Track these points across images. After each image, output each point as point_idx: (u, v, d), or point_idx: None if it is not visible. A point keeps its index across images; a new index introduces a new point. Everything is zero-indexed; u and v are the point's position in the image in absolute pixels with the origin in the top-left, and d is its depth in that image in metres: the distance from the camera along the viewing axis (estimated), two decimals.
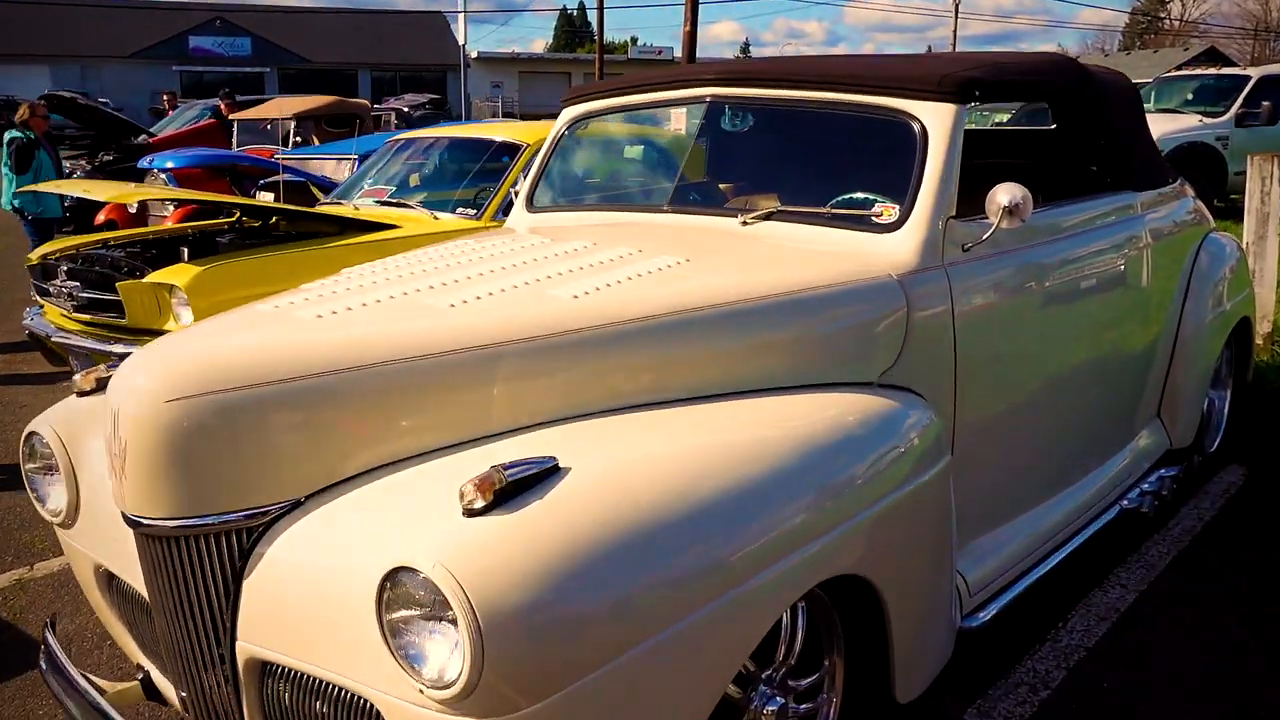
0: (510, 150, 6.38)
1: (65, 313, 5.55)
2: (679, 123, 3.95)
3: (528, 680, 1.76)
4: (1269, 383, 5.91)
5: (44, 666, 2.59)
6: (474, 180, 6.45)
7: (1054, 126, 4.28)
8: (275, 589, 2.04)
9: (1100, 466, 3.86)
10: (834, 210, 3.05)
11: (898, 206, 2.94)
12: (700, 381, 2.46)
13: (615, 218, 3.50)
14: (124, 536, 2.22)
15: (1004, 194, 2.87)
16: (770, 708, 2.33)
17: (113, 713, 2.33)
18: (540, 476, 1.94)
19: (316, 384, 2.10)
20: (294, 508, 2.10)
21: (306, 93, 17.86)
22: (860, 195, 3.09)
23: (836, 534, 2.28)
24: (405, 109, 22.26)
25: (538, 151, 4.15)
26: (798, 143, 3.50)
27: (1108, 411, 3.92)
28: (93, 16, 41.30)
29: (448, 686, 1.74)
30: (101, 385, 2.62)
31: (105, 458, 2.21)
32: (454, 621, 1.73)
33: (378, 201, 6.49)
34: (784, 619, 2.34)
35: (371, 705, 1.89)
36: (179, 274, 4.88)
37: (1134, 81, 4.71)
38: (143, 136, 14.45)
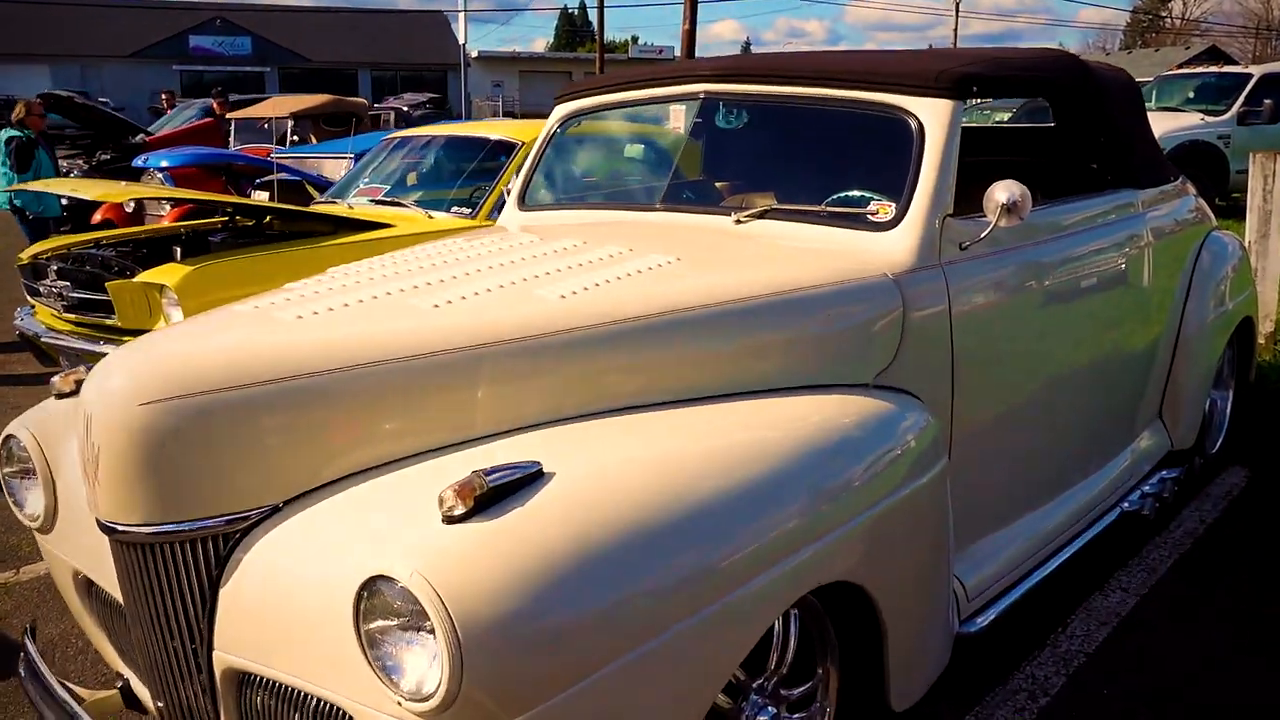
0: (506, 149, 6.32)
1: (56, 313, 5.51)
2: (678, 120, 3.90)
3: (509, 692, 1.71)
4: (1271, 383, 5.85)
5: (23, 674, 2.55)
6: (469, 179, 6.39)
7: (1054, 124, 4.23)
8: (252, 597, 1.99)
9: (1100, 468, 3.81)
10: (829, 208, 3.00)
11: (894, 204, 2.89)
12: (690, 384, 2.41)
13: (608, 216, 3.45)
14: (101, 542, 2.17)
15: (1002, 191, 2.81)
16: (762, 718, 2.28)
17: None
18: (523, 482, 1.89)
19: (295, 386, 2.05)
20: (272, 513, 2.04)
21: (307, 92, 17.80)
22: (856, 193, 3.03)
23: (830, 540, 2.22)
24: (405, 108, 22.22)
25: None
26: (793, 140, 3.44)
27: (1108, 412, 3.87)
28: (93, 16, 41.27)
29: (426, 699, 1.69)
30: (81, 387, 2.56)
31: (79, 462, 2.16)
32: (432, 632, 1.68)
33: (372, 200, 6.43)
34: (776, 626, 2.28)
35: (350, 717, 1.84)
36: (169, 274, 4.83)
37: (1135, 80, 4.66)
38: (140, 136, 14.39)
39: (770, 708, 2.30)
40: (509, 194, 3.88)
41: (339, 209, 6.27)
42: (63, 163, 12.99)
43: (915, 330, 2.77)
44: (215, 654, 2.04)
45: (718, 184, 3.64)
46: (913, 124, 2.94)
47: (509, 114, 38.60)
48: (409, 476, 2.04)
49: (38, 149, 8.99)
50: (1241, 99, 13.45)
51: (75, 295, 5.33)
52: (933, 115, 2.93)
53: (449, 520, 1.80)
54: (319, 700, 1.89)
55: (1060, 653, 3.25)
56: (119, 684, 2.54)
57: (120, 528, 2.05)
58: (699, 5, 20.43)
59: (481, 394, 2.19)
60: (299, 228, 5.83)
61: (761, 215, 3.07)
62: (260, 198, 7.80)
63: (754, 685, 2.28)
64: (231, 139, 13.30)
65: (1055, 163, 4.13)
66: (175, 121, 16.17)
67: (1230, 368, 4.85)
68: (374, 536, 1.85)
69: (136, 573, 2.08)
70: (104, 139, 14.03)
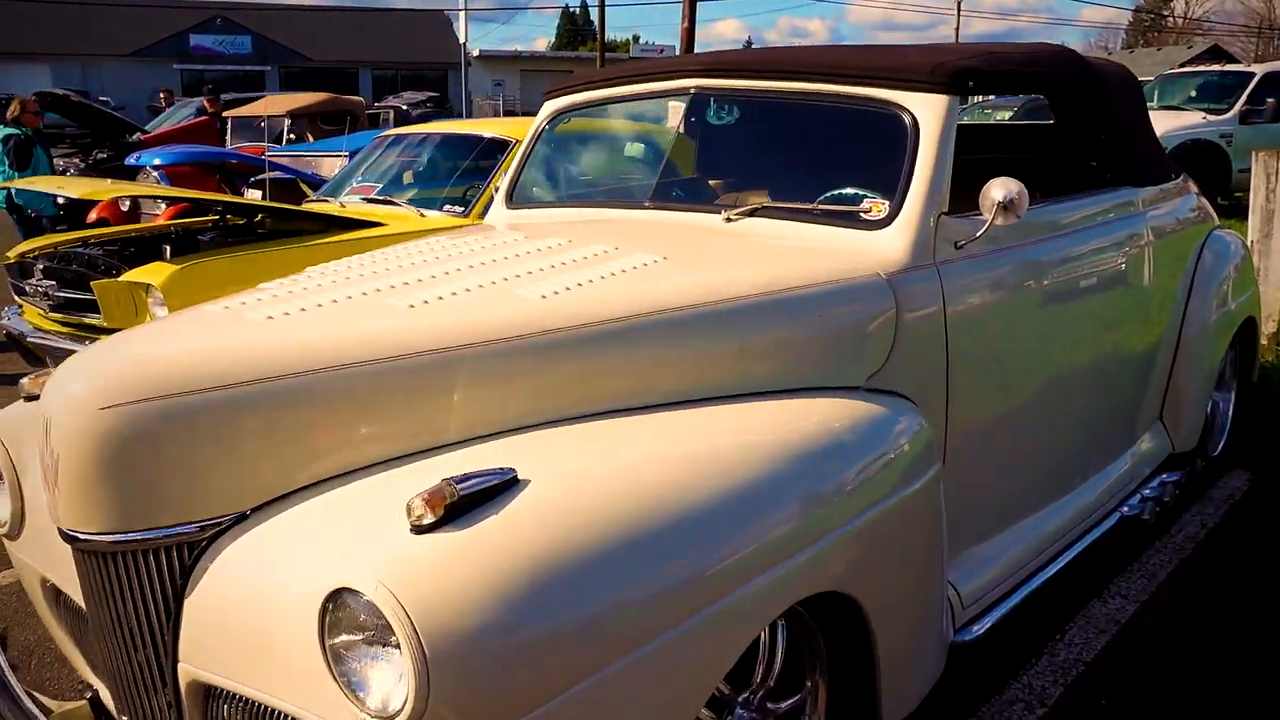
0: (500, 147, 6.25)
1: (42, 312, 5.44)
2: (677, 118, 3.83)
3: (479, 709, 1.64)
4: (1275, 384, 5.77)
5: None
6: (463, 177, 6.32)
7: (1053, 121, 4.15)
8: (217, 608, 1.92)
9: (1100, 472, 3.73)
10: (821, 206, 2.92)
11: (887, 202, 2.82)
12: (675, 387, 2.33)
13: (596, 214, 3.38)
14: (68, 550, 2.09)
15: (998, 189, 2.74)
16: None
17: None
18: (497, 489, 1.82)
19: (262, 390, 1.97)
20: (239, 521, 1.97)
21: (308, 91, 17.75)
22: (850, 191, 2.96)
23: (818, 548, 2.15)
24: (404, 107, 22.12)
25: None
26: (785, 136, 3.37)
27: (1108, 415, 3.80)
28: (94, 15, 41.20)
29: (393, 717, 1.62)
30: None
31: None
32: (398, 647, 1.61)
33: (364, 199, 6.36)
34: (762, 637, 2.21)
35: None
36: (154, 273, 4.76)
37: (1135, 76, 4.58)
38: (137, 135, 14.35)
39: None
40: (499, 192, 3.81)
41: (331, 207, 6.20)
42: (59, 161, 12.95)
43: (909, 331, 2.70)
44: (180, 666, 1.97)
45: (711, 182, 3.57)
46: (907, 120, 2.87)
47: (509, 112, 38.53)
48: (380, 483, 1.97)
49: (35, 146, 8.95)
50: (1244, 98, 13.38)
51: (61, 295, 5.26)
52: (928, 111, 2.86)
53: (417, 530, 1.73)
54: (285, 716, 1.82)
55: (1058, 661, 3.17)
56: (88, 695, 2.46)
57: (81, 537, 1.98)
58: (698, 4, 20.35)
59: (458, 397, 2.11)
60: (290, 226, 5.76)
61: (752, 213, 3.00)
62: (254, 196, 7.74)
63: (739, 699, 2.21)
64: (228, 137, 13.24)
65: (1054, 160, 4.06)
66: (172, 120, 16.11)
67: (1232, 369, 4.77)
68: (340, 547, 1.78)
69: (99, 582, 2.01)
70: (102, 138, 13.99)
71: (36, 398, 2.53)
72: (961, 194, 2.87)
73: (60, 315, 5.29)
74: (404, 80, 44.34)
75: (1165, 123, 11.83)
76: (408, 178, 6.74)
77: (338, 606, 1.68)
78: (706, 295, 2.44)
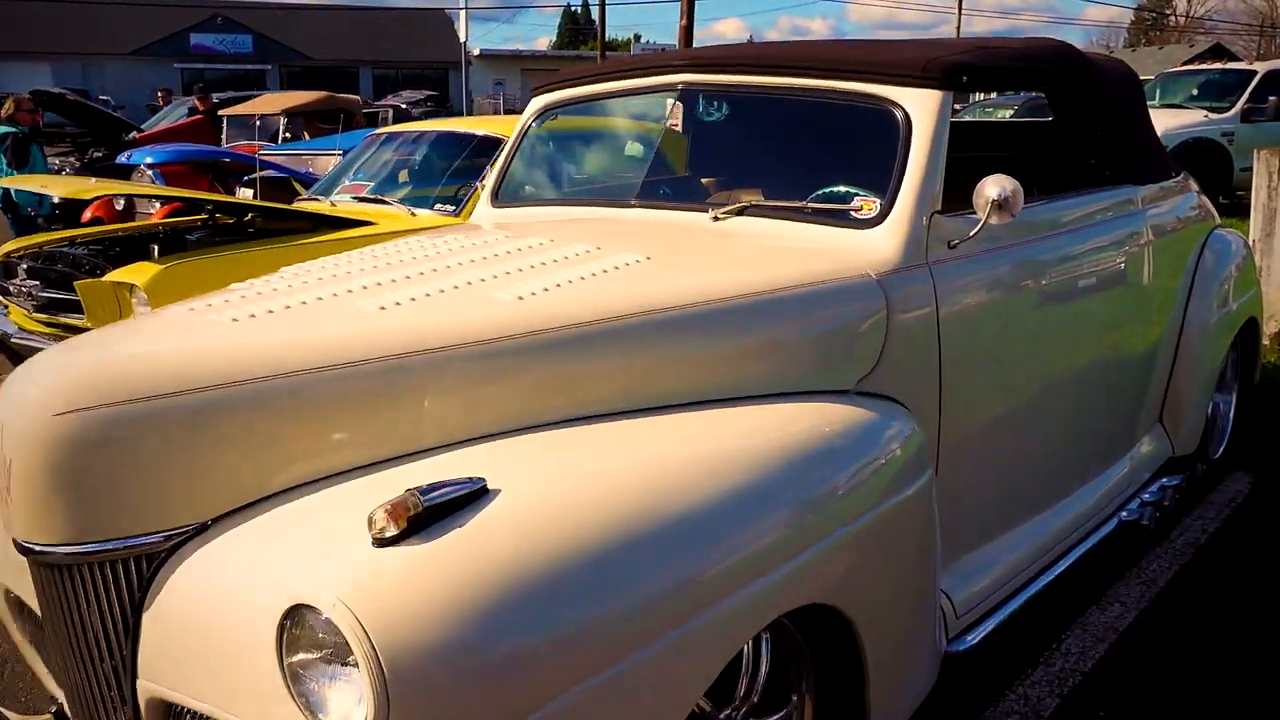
0: (493, 145, 6.16)
1: (27, 313, 5.36)
2: (676, 117, 3.77)
3: None
4: (1277, 386, 5.69)
5: None
6: (455, 176, 6.25)
7: (1051, 118, 4.08)
8: (177, 622, 1.84)
9: (1098, 476, 3.66)
10: (810, 205, 2.85)
11: (878, 200, 2.74)
12: (655, 391, 2.25)
13: (582, 213, 3.30)
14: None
15: (992, 187, 2.66)
16: None
17: None
18: (465, 500, 1.74)
19: (224, 395, 1.90)
20: (200, 532, 1.90)
21: (308, 90, 17.68)
22: (842, 189, 2.88)
23: (804, 559, 2.07)
24: (404, 106, 22.02)
25: None
26: (775, 133, 3.30)
27: (1106, 418, 3.72)
28: (94, 14, 41.14)
29: None
30: None
31: None
32: (357, 665, 1.54)
33: (355, 198, 6.29)
34: (745, 651, 2.13)
35: None
36: (138, 273, 4.68)
37: (1139, 78, 4.51)
38: (133, 134, 14.28)
39: None
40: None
41: (321, 206, 6.13)
42: (55, 160, 12.90)
43: (900, 333, 2.62)
44: (140, 683, 1.89)
45: (704, 180, 3.49)
46: (899, 115, 2.79)
47: (510, 111, 38.45)
48: (344, 493, 1.89)
49: (32, 145, 8.93)
50: (1246, 96, 13.31)
51: (45, 295, 5.18)
52: (920, 106, 2.79)
53: (380, 543, 1.65)
54: None
55: (1054, 672, 3.09)
56: (52, 708, 2.38)
57: (37, 548, 1.90)
58: (697, 2, 20.25)
59: (429, 403, 2.04)
60: (280, 226, 5.69)
61: (740, 212, 2.92)
62: (246, 195, 7.67)
63: (721, 716, 2.13)
64: (224, 136, 13.18)
65: (1053, 158, 3.98)
66: (170, 119, 16.05)
67: (1234, 370, 4.69)
68: (300, 560, 1.71)
69: (55, 595, 1.94)
70: (101, 136, 13.93)
71: None
72: (957, 192, 2.79)
73: (44, 316, 5.22)
74: (405, 79, 44.24)
75: (1167, 121, 11.76)
76: (401, 176, 6.68)
77: (296, 623, 1.61)
78: (690, 296, 2.36)
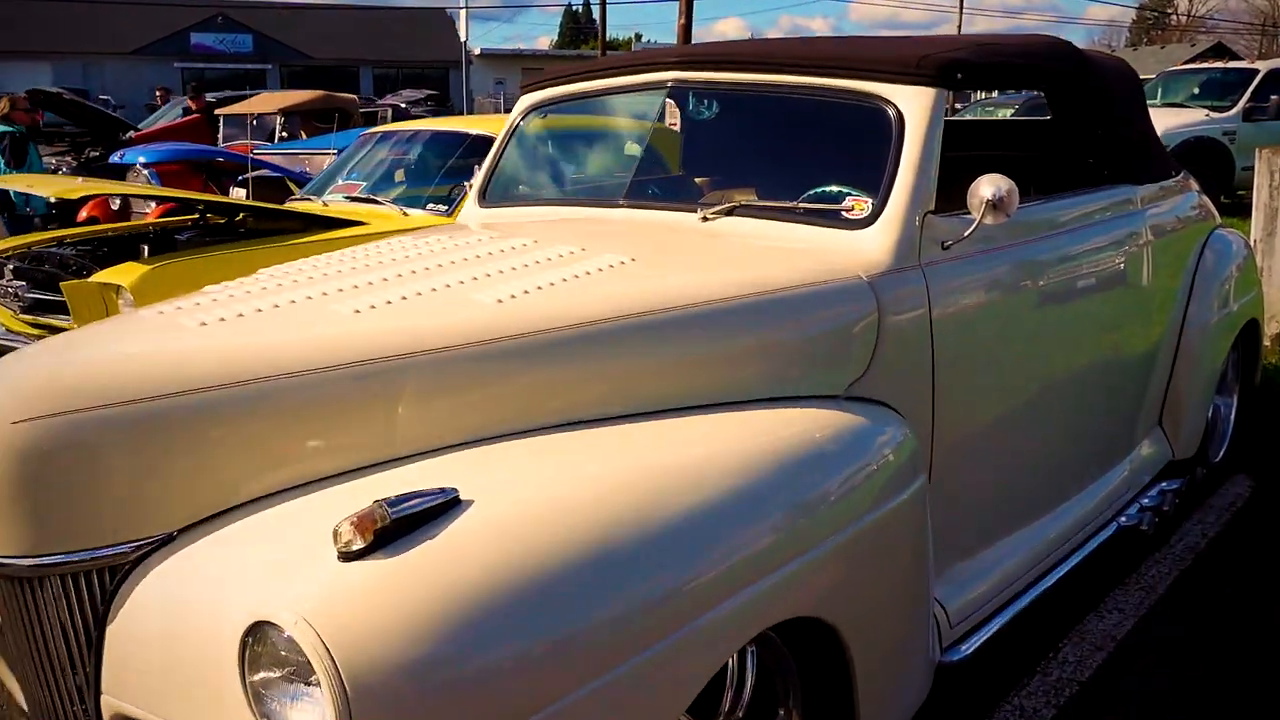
0: (486, 144, 6.09)
1: (14, 314, 5.30)
2: (674, 117, 3.70)
3: None
4: (1278, 388, 5.62)
5: None
6: (448, 175, 6.19)
7: (1049, 117, 4.02)
8: (140, 638, 1.79)
9: (1096, 481, 3.59)
10: (800, 205, 2.79)
11: (870, 200, 2.68)
12: (638, 397, 2.19)
13: (571, 213, 3.25)
14: None
15: (987, 187, 2.60)
16: None
17: None
18: (435, 511, 1.68)
19: (189, 402, 1.84)
20: (165, 543, 1.84)
21: (308, 90, 17.64)
22: (834, 189, 2.82)
23: (791, 569, 2.01)
24: (403, 105, 21.94)
25: None
26: (767, 132, 3.23)
27: (1104, 421, 3.65)
28: (95, 13, 41.08)
29: None
30: None
31: None
32: (319, 685, 1.48)
33: (348, 197, 6.24)
34: (730, 664, 2.08)
35: None
36: (124, 273, 4.62)
37: (1140, 77, 4.44)
38: (130, 133, 14.22)
39: None
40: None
41: (313, 206, 6.07)
42: (52, 159, 12.85)
43: (892, 336, 2.56)
44: (104, 699, 1.84)
45: (697, 179, 3.43)
46: (891, 113, 2.73)
47: (510, 110, 38.33)
48: (313, 504, 1.83)
49: (29, 144, 8.92)
50: (1247, 95, 13.24)
51: (31, 295, 5.12)
52: (913, 104, 2.73)
53: (345, 557, 1.59)
54: None
55: (1050, 681, 3.03)
56: None
57: None
58: (696, 1, 20.19)
59: (403, 410, 1.98)
60: (271, 226, 5.63)
61: (729, 212, 2.86)
62: (240, 194, 7.62)
63: None
64: (220, 135, 13.13)
65: (1051, 157, 3.92)
66: (167, 119, 15.99)
67: (1235, 372, 4.62)
68: (263, 575, 1.65)
69: (16, 608, 1.88)
70: (100, 136, 13.89)
71: None
72: (952, 192, 2.73)
73: (30, 317, 5.15)
74: (406, 79, 44.16)
75: (1168, 120, 11.70)
76: (397, 176, 6.62)
77: (258, 641, 1.56)
78: (675, 299, 2.30)
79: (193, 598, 1.73)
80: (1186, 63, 21.08)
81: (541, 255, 2.48)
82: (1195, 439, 4.11)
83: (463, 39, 40.71)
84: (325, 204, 6.16)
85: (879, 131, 2.73)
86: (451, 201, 5.82)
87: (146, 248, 5.09)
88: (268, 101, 13.06)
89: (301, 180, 8.43)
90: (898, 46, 2.94)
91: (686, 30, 20.41)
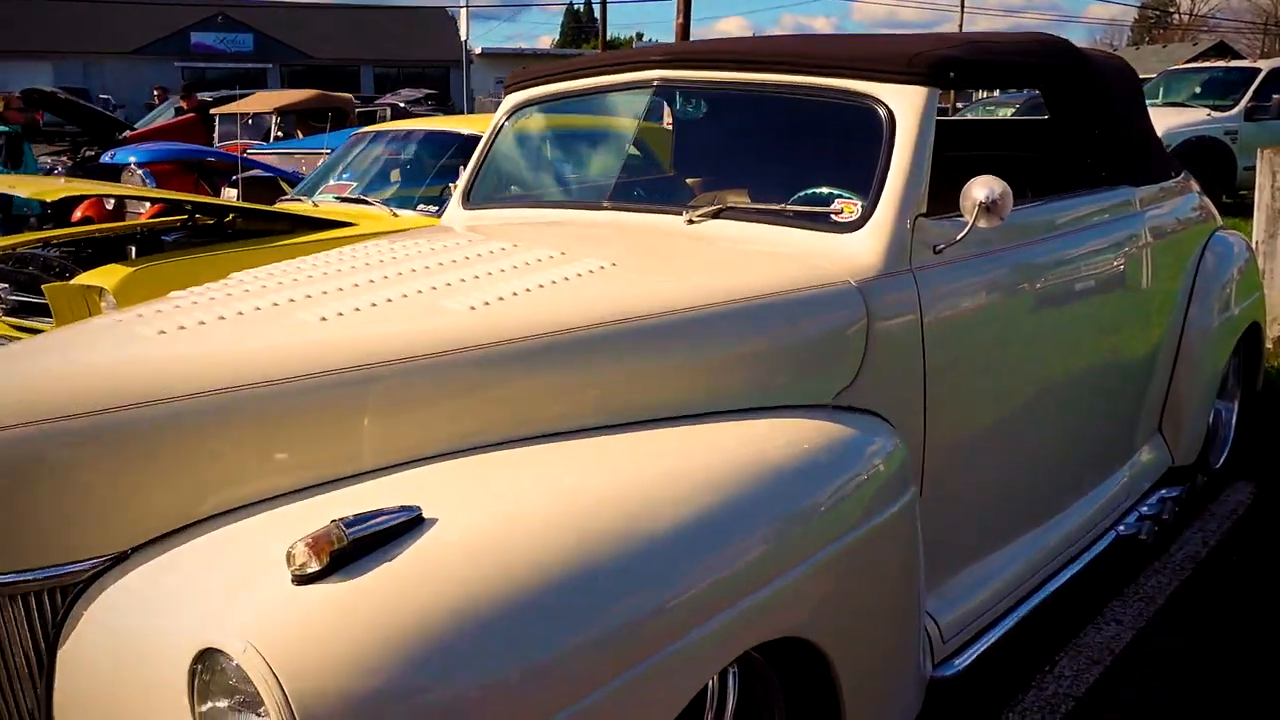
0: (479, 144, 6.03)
1: None
2: (669, 116, 3.64)
3: None
4: None
5: None
6: (440, 175, 6.12)
7: (1046, 116, 3.94)
8: (90, 662, 1.71)
9: (1094, 489, 3.51)
10: (787, 207, 2.71)
11: (860, 203, 2.60)
12: (616, 408, 2.11)
13: (555, 215, 3.17)
14: None
15: (980, 189, 2.53)
16: None
17: None
18: (396, 531, 1.60)
19: (142, 415, 1.76)
20: (118, 562, 1.76)
21: (308, 89, 17.59)
22: (825, 190, 2.75)
23: (775, 587, 1.94)
24: (402, 104, 21.85)
25: None
26: (755, 132, 3.16)
27: (1103, 428, 3.57)
28: (95, 12, 41.04)
29: None
30: None
31: None
32: (269, 715, 1.40)
33: (338, 198, 6.16)
34: (710, 685, 1.99)
35: None
36: (107, 275, 4.54)
37: (1141, 76, 4.36)
38: (126, 133, 14.17)
39: None
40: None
41: (303, 207, 6.00)
42: (47, 159, 12.80)
43: (881, 343, 2.48)
44: None
45: (689, 181, 3.36)
46: (882, 113, 2.65)
47: None
48: (270, 522, 1.75)
49: (24, 144, 8.89)
50: (1249, 94, 13.17)
51: (14, 298, 5.05)
52: (904, 103, 2.65)
53: (300, 580, 1.51)
54: None
55: (1046, 696, 2.95)
56: None
57: None
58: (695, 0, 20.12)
59: (369, 422, 1.90)
60: (261, 227, 5.56)
61: (716, 215, 2.78)
62: (231, 195, 7.56)
63: None
64: (216, 134, 13.06)
65: (1048, 158, 3.84)
66: (163, 118, 15.94)
67: (1236, 377, 4.55)
68: (214, 599, 1.57)
69: None
70: (96, 135, 13.84)
71: None
72: (947, 194, 2.65)
73: (13, 320, 5.08)
74: (406, 78, 44.07)
75: (1169, 119, 11.63)
76: (384, 176, 6.55)
77: (207, 668, 1.48)
78: (656, 305, 2.22)
79: (141, 623, 1.65)
80: (1188, 62, 20.99)
81: (520, 259, 2.41)
82: (1196, 445, 4.03)
83: (464, 38, 40.60)
84: (315, 204, 6.09)
85: (869, 132, 2.66)
86: (443, 202, 5.72)
87: (133, 249, 5.02)
88: (263, 101, 13.01)
89: (295, 180, 8.37)
90: (889, 44, 2.87)
91: (685, 29, 20.33)
